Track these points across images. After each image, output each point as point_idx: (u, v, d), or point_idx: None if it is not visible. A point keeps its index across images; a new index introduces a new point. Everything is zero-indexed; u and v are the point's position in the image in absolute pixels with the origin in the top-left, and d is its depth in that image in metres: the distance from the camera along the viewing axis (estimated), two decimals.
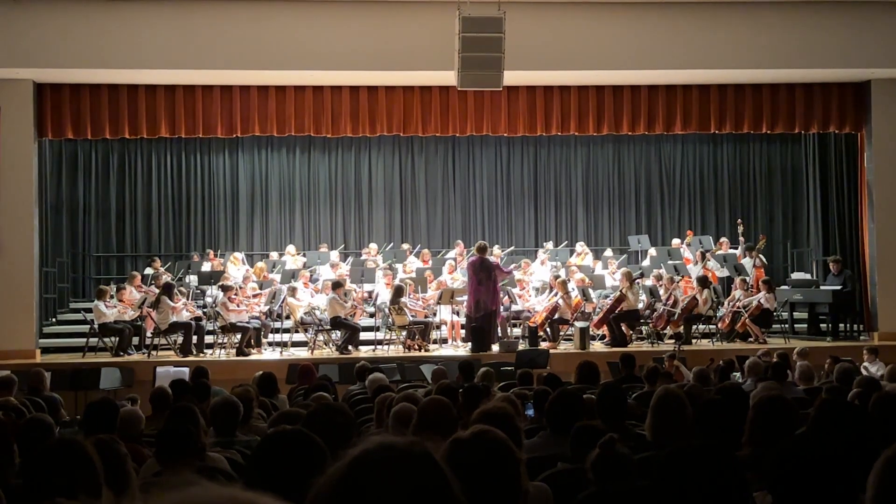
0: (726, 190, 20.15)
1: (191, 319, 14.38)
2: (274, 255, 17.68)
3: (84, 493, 3.12)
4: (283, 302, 14.92)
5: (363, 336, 14.96)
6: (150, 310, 14.40)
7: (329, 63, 14.31)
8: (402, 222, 19.95)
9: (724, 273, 16.34)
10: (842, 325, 15.52)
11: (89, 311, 14.74)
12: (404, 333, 14.58)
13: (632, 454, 3.69)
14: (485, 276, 14.25)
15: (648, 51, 14.59)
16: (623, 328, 14.77)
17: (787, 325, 15.65)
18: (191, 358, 13.55)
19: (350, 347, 14.34)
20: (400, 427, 4.63)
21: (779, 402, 4.21)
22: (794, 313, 16.00)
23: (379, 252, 17.41)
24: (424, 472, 1.45)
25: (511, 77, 13.59)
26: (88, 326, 14.49)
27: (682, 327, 14.77)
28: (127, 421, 5.69)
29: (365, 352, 14.44)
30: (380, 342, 14.91)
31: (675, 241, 17.62)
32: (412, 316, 14.68)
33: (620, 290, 14.80)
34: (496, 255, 16.53)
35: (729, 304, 15.25)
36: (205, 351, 14.29)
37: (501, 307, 15.01)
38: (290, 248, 17.45)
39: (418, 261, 17.01)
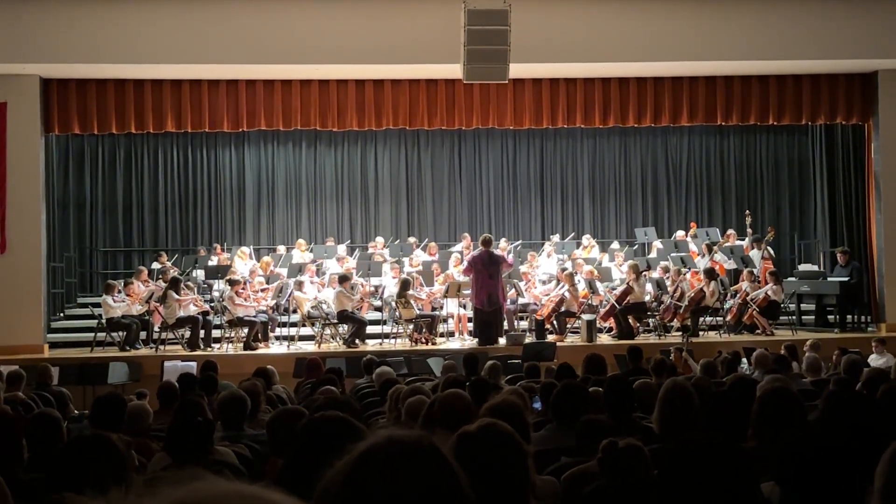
0: (733, 182, 20.11)
1: (198, 314, 14.41)
2: (281, 248, 17.67)
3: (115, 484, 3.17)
4: (289, 296, 14.92)
5: (370, 329, 14.97)
6: (158, 304, 14.42)
7: (335, 57, 14.30)
8: (409, 216, 19.94)
9: (732, 265, 16.30)
10: (849, 317, 15.49)
11: (97, 305, 14.78)
12: (411, 327, 14.59)
13: (643, 446, 3.68)
14: (495, 270, 14.22)
15: (654, 43, 14.55)
16: (630, 321, 14.76)
17: (794, 317, 15.62)
18: (198, 352, 13.59)
19: (357, 341, 14.35)
20: (413, 420, 4.64)
21: (783, 394, 4.20)
22: (802, 305, 15.98)
23: (385, 246, 17.39)
24: (432, 466, 1.45)
25: (517, 70, 13.56)
26: (96, 321, 14.53)
27: (689, 319, 14.74)
28: (135, 415, 5.70)
29: (372, 345, 14.46)
30: (387, 336, 14.92)
31: (681, 234, 17.59)
32: (419, 309, 14.68)
33: (627, 283, 14.78)
34: (502, 248, 16.50)
35: (736, 297, 15.23)
36: (212, 345, 14.32)
37: (509, 300, 15.02)
38: (301, 243, 17.41)
39: (425, 254, 17.00)
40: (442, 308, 15.10)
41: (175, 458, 4.36)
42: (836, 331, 14.95)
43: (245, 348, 14.13)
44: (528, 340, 13.98)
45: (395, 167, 19.93)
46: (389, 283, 15.46)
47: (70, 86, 14.80)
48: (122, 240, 19.19)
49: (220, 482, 1.18)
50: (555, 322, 14.84)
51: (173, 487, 1.16)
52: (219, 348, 14.28)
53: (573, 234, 18.73)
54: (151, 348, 14.34)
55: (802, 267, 17.26)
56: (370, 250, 17.21)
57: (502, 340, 14.20)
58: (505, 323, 14.76)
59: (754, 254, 16.28)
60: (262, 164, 19.68)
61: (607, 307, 14.92)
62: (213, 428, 4.63)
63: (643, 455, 3.62)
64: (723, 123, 16.34)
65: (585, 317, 14.46)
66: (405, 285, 14.54)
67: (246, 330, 14.28)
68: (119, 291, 14.57)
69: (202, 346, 14.06)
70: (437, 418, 4.12)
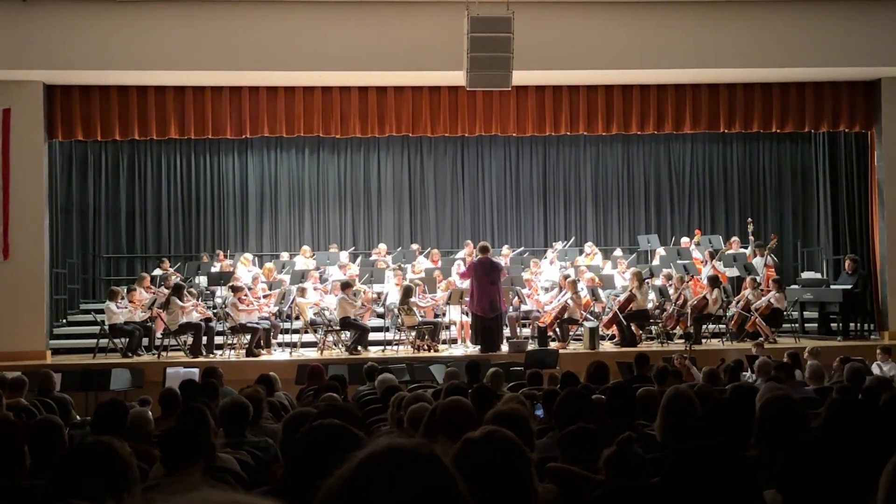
0: (736, 189, 20.10)
1: (200, 320, 14.40)
2: (284, 255, 17.68)
3: (117, 491, 3.17)
4: (292, 302, 14.92)
5: (372, 336, 14.96)
6: (160, 311, 14.43)
7: (338, 63, 14.32)
8: (412, 222, 19.95)
9: (735, 272, 16.28)
10: (852, 325, 15.46)
11: (100, 311, 14.78)
12: (413, 334, 14.57)
13: (644, 454, 3.68)
14: (496, 276, 14.24)
15: (657, 50, 14.56)
16: (633, 328, 14.74)
17: (797, 325, 15.60)
18: (200, 359, 13.58)
19: (359, 348, 14.34)
20: (415, 427, 4.64)
21: (785, 402, 4.19)
22: (805, 312, 15.95)
23: (388, 252, 17.39)
24: (431, 474, 1.45)
25: (520, 77, 13.55)
26: (99, 327, 14.53)
27: (691, 327, 14.73)
28: (136, 422, 5.69)
29: (374, 352, 14.43)
30: (389, 342, 14.91)
31: (685, 241, 17.57)
32: (422, 315, 14.67)
33: (630, 290, 14.76)
34: (504, 255, 16.51)
35: (739, 304, 15.21)
36: (214, 352, 14.31)
37: (511, 307, 15.01)
38: (306, 249, 17.40)
39: (427, 261, 16.99)
40: (444, 315, 15.09)
41: (168, 466, 4.34)
42: (839, 339, 14.91)
43: (247, 355, 14.12)
44: (530, 347, 13.96)
45: (398, 174, 19.94)
46: (392, 290, 15.46)
47: (73, 92, 14.82)
48: (125, 246, 19.19)
49: (215, 491, 1.18)
50: (557, 329, 14.83)
51: (170, 497, 1.15)
52: (221, 355, 14.26)
53: (573, 237, 18.75)
54: (154, 355, 14.34)
55: (805, 275, 17.23)
56: (373, 257, 17.22)
57: (505, 347, 14.19)
58: (507, 330, 14.75)
59: (757, 261, 16.25)
60: (265, 171, 19.69)
61: (610, 314, 14.91)
62: (207, 435, 4.61)
63: (645, 461, 3.61)
64: (726, 131, 16.34)
65: (588, 324, 14.45)
66: (408, 292, 14.54)
67: (248, 336, 14.28)
68: (122, 298, 14.57)
69: (205, 353, 14.05)
70: (439, 425, 4.11)
